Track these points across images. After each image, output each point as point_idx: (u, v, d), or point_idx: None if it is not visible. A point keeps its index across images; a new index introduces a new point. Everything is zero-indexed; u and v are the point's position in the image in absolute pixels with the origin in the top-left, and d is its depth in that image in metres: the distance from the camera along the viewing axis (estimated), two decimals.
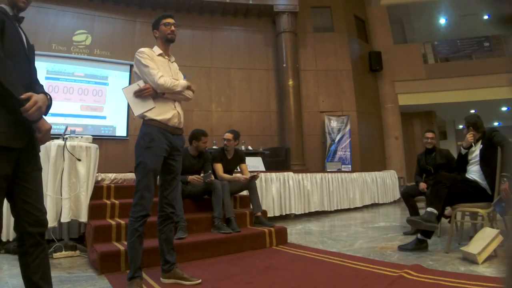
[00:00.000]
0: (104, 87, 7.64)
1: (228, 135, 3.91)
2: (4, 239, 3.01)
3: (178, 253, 2.42)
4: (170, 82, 2.20)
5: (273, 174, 5.30)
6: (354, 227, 4.65)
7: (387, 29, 10.51)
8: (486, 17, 11.42)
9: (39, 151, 1.57)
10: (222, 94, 8.69)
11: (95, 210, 3.14)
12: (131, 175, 4.01)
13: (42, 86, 1.60)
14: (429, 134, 4.22)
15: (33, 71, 1.57)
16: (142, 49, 2.25)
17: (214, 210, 3.39)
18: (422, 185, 4.01)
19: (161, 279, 2.26)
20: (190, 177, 3.46)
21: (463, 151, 3.35)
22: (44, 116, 1.47)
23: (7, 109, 1.35)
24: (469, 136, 3.26)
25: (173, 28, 2.29)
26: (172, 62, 2.40)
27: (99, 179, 3.76)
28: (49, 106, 1.51)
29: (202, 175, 3.56)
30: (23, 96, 1.34)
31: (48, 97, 1.51)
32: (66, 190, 2.97)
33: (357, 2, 10.52)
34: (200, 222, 3.37)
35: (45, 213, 1.51)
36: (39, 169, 1.54)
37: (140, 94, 2.18)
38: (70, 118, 7.07)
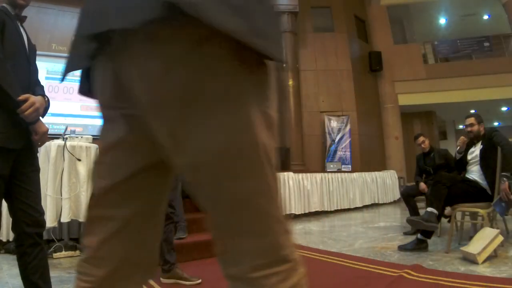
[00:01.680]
0: None
1: None
2: (4, 239, 3.01)
3: (178, 253, 2.41)
4: None
5: None
6: (354, 227, 4.65)
7: (387, 29, 10.51)
8: (486, 17, 11.44)
9: (37, 152, 1.57)
10: None
11: None
12: None
13: (42, 87, 1.59)
14: (420, 139, 4.20)
15: (33, 72, 1.56)
16: None
17: None
18: (422, 186, 4.00)
19: (161, 279, 2.26)
20: None
21: (458, 156, 3.40)
22: (41, 119, 1.48)
23: (5, 110, 1.35)
24: (461, 140, 3.36)
25: None
26: None
27: None
28: (46, 108, 1.51)
29: None
30: (20, 98, 1.34)
31: (46, 99, 1.51)
32: (66, 190, 2.97)
33: (357, 2, 10.52)
34: (200, 222, 3.37)
35: (42, 213, 1.51)
36: (37, 169, 1.54)
37: None
38: (70, 118, 7.07)
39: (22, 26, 1.55)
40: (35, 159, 1.55)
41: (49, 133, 1.54)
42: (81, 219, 3.04)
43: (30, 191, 1.46)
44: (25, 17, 1.57)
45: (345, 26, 9.68)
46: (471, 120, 3.26)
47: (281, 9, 8.80)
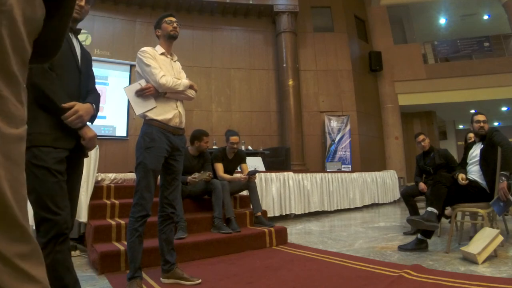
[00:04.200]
0: (104, 87, 7.64)
1: (236, 138, 3.89)
2: None
3: (178, 253, 2.42)
4: (172, 82, 2.19)
5: (273, 174, 5.30)
6: (354, 227, 4.65)
7: (387, 29, 10.52)
8: (486, 17, 11.44)
9: (87, 156, 1.63)
10: (222, 94, 8.69)
11: (95, 210, 3.14)
12: (131, 175, 4.01)
13: (96, 95, 1.66)
14: (420, 137, 4.20)
15: (85, 81, 1.62)
16: (144, 48, 2.24)
17: (214, 210, 3.39)
18: (422, 185, 4.01)
19: (161, 279, 2.26)
20: (189, 178, 3.45)
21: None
22: (90, 124, 1.55)
23: (53, 114, 1.43)
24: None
25: (175, 25, 2.30)
26: (174, 61, 2.40)
27: (99, 179, 3.76)
28: (94, 116, 1.58)
29: (196, 174, 3.49)
30: (65, 105, 1.42)
31: (94, 107, 1.58)
32: None
33: (357, 2, 10.53)
34: (200, 222, 3.37)
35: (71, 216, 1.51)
36: (76, 173, 1.57)
37: (141, 94, 2.17)
38: None
39: (77, 38, 1.62)
40: (81, 162, 1.60)
41: None
42: (81, 219, 3.05)
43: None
44: (80, 30, 1.65)
45: (345, 26, 9.69)
46: (484, 117, 3.14)
47: (280, 9, 8.81)
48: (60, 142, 1.45)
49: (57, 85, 1.44)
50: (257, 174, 3.98)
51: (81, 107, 1.47)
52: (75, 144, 1.52)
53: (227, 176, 3.83)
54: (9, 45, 0.45)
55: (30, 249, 0.44)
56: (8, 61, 0.45)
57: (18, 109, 0.46)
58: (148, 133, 2.13)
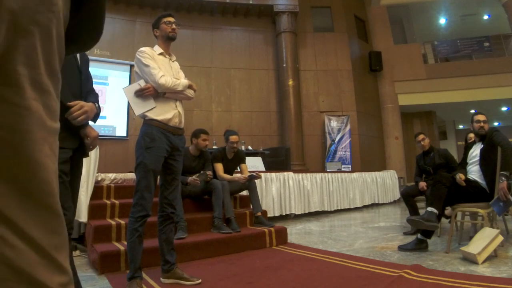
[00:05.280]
0: (104, 87, 7.64)
1: (236, 138, 3.89)
2: None
3: (178, 253, 2.42)
4: (171, 82, 2.19)
5: (273, 174, 5.30)
6: (354, 227, 4.65)
7: (387, 29, 10.52)
8: (486, 17, 11.44)
9: (87, 156, 1.67)
10: (222, 94, 8.69)
11: (95, 210, 3.14)
12: (131, 175, 4.01)
13: (95, 95, 1.69)
14: (420, 137, 4.20)
15: (85, 80, 1.65)
16: (143, 48, 2.24)
17: (214, 210, 3.39)
18: (422, 184, 4.01)
19: (161, 279, 2.26)
20: (190, 179, 3.45)
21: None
22: (93, 124, 1.59)
23: None
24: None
25: (174, 26, 2.29)
26: (173, 61, 2.39)
27: (99, 179, 3.76)
28: (97, 114, 1.61)
29: (197, 175, 3.50)
30: (70, 103, 1.45)
31: (97, 106, 1.61)
32: None
33: (357, 2, 10.53)
34: (200, 222, 3.37)
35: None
36: (76, 173, 1.59)
37: (141, 94, 2.17)
38: None
39: None
40: (81, 164, 1.63)
41: None
42: (82, 219, 3.05)
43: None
44: None
45: (345, 26, 9.69)
46: (484, 117, 3.14)
47: (280, 9, 8.81)
48: (65, 142, 1.46)
49: (63, 85, 1.45)
50: (259, 174, 3.97)
51: (85, 104, 1.51)
52: (78, 145, 1.54)
53: (227, 176, 3.83)
54: (56, 44, 0.48)
55: (64, 239, 0.45)
56: (55, 59, 0.49)
57: (56, 104, 0.49)
58: (148, 133, 2.13)
